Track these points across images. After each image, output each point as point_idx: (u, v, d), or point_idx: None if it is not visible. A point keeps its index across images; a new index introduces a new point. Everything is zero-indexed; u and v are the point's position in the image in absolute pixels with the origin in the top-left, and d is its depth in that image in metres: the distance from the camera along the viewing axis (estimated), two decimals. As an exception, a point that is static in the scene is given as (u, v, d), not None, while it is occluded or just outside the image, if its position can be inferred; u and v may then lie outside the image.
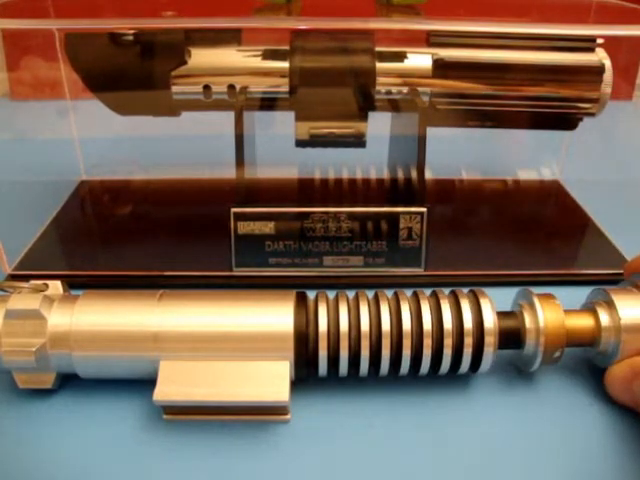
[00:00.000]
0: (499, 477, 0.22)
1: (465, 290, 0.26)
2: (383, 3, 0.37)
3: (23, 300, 0.24)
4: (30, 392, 0.25)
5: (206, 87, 0.32)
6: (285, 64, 0.31)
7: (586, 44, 0.31)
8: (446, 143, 0.35)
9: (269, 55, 0.32)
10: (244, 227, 0.31)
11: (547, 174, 0.44)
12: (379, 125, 0.36)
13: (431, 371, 0.25)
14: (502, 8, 0.35)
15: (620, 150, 0.46)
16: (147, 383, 0.24)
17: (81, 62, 0.32)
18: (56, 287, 0.26)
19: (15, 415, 0.24)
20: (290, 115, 0.32)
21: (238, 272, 0.32)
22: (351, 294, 0.26)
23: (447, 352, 0.24)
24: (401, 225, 0.31)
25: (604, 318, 0.25)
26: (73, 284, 0.27)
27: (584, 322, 0.25)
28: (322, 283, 0.31)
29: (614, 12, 0.37)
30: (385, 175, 0.40)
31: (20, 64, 0.42)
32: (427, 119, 0.31)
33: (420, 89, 0.32)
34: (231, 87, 0.32)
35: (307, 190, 0.40)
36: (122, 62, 0.31)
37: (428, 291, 0.26)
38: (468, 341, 0.24)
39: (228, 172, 0.32)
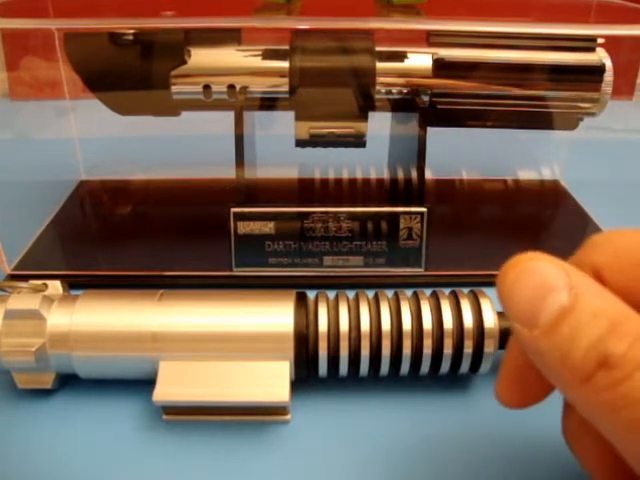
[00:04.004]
0: (499, 477, 0.22)
1: (465, 290, 0.26)
2: (383, 3, 0.37)
3: (23, 300, 0.24)
4: (30, 392, 0.25)
5: (206, 87, 0.32)
6: (285, 64, 0.31)
7: (586, 44, 0.31)
8: (446, 143, 0.35)
9: (269, 55, 0.32)
10: (244, 227, 0.31)
11: (547, 174, 0.44)
12: (379, 125, 0.36)
13: (431, 371, 0.25)
14: (502, 8, 0.35)
15: (620, 150, 0.46)
16: (147, 383, 0.24)
17: (81, 62, 0.32)
18: (56, 287, 0.26)
19: (15, 415, 0.24)
20: (290, 115, 0.32)
21: (238, 272, 0.32)
22: (351, 294, 0.26)
23: (447, 352, 0.24)
24: (401, 225, 0.31)
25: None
26: (73, 284, 0.27)
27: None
28: (322, 283, 0.31)
29: (615, 12, 0.37)
30: (385, 175, 0.40)
31: (20, 64, 0.42)
32: (427, 119, 0.31)
33: (420, 89, 0.32)
34: (231, 87, 0.32)
35: (307, 190, 0.40)
36: (122, 62, 0.31)
37: (428, 291, 0.26)
38: (468, 341, 0.24)
39: (228, 172, 0.32)
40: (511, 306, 0.15)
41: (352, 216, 0.31)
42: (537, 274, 0.15)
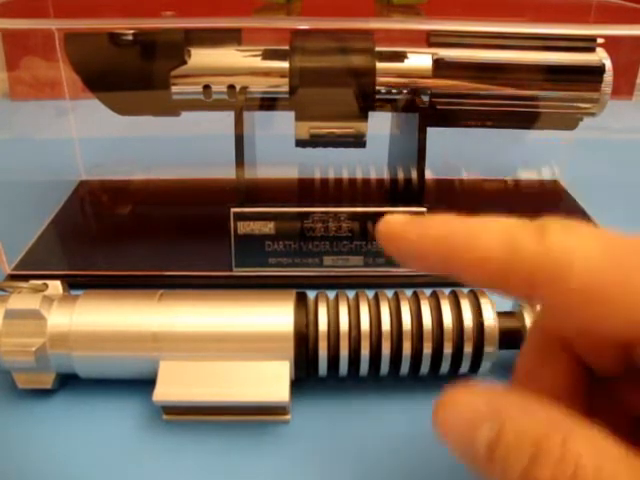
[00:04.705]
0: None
1: (465, 290, 0.26)
2: (383, 3, 0.37)
3: (23, 300, 0.24)
4: (30, 392, 0.25)
5: (206, 87, 0.32)
6: (285, 64, 0.31)
7: (586, 44, 0.31)
8: (446, 143, 0.35)
9: (269, 55, 0.32)
10: (244, 227, 0.31)
11: (547, 174, 0.44)
12: (379, 125, 0.36)
13: (431, 371, 0.25)
14: (502, 8, 0.35)
15: (620, 150, 0.46)
16: (147, 383, 0.24)
17: (81, 62, 0.32)
18: (56, 287, 0.26)
19: (15, 415, 0.24)
20: (290, 115, 0.32)
21: (238, 272, 0.32)
22: (351, 294, 0.26)
23: (447, 352, 0.24)
24: (401, 225, 0.31)
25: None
26: (73, 284, 0.27)
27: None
28: (322, 283, 0.31)
29: (614, 12, 0.37)
30: (385, 175, 0.40)
31: (20, 64, 0.42)
32: (427, 119, 0.31)
33: (420, 89, 0.32)
34: (231, 87, 0.32)
35: (307, 190, 0.40)
36: (122, 62, 0.31)
37: (428, 291, 0.26)
38: (468, 341, 0.24)
39: (228, 172, 0.32)
40: (450, 445, 0.15)
41: (352, 216, 0.31)
42: (461, 410, 0.15)
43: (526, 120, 0.33)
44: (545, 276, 0.14)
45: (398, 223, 0.16)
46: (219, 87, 0.32)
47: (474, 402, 0.15)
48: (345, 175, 0.40)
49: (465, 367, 0.25)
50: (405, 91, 0.32)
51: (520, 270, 0.15)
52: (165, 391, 0.23)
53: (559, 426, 0.14)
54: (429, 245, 0.16)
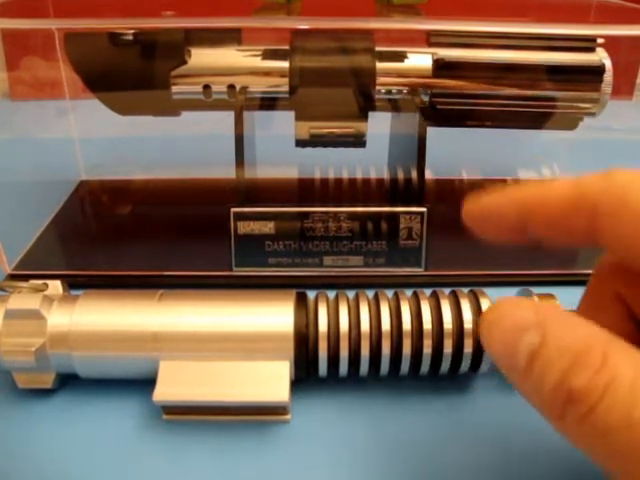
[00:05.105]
0: (500, 477, 0.22)
1: (465, 290, 0.26)
2: (383, 3, 0.37)
3: (23, 300, 0.24)
4: (30, 392, 0.25)
5: (206, 87, 0.32)
6: (285, 64, 0.31)
7: (586, 44, 0.31)
8: (446, 143, 0.35)
9: (269, 55, 0.32)
10: (244, 227, 0.31)
11: (547, 174, 0.44)
12: (379, 125, 0.36)
13: (431, 371, 0.25)
14: (502, 8, 0.35)
15: (620, 150, 0.46)
16: (147, 383, 0.24)
17: (81, 62, 0.32)
18: (56, 287, 0.26)
19: (15, 415, 0.24)
20: (290, 115, 0.32)
21: (238, 272, 0.32)
22: (351, 294, 0.26)
23: (447, 352, 0.24)
24: (401, 225, 0.31)
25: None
26: (73, 284, 0.27)
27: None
28: (322, 283, 0.31)
29: (615, 12, 0.37)
30: (385, 175, 0.40)
31: (20, 64, 0.42)
32: (427, 119, 0.31)
33: (420, 89, 0.32)
34: (231, 87, 0.32)
35: (307, 190, 0.40)
36: (122, 62, 0.31)
37: (428, 291, 0.26)
38: (468, 341, 0.24)
39: (228, 172, 0.32)
40: (492, 353, 0.15)
41: (352, 216, 0.31)
42: (508, 317, 0.15)
43: (526, 120, 0.33)
44: (608, 203, 0.15)
45: (481, 198, 0.18)
46: (219, 87, 0.32)
47: (520, 311, 0.15)
48: (345, 175, 0.40)
49: (465, 367, 0.25)
50: (405, 91, 0.32)
51: (586, 203, 0.16)
52: (165, 391, 0.23)
53: (600, 341, 0.14)
54: (508, 205, 0.17)
